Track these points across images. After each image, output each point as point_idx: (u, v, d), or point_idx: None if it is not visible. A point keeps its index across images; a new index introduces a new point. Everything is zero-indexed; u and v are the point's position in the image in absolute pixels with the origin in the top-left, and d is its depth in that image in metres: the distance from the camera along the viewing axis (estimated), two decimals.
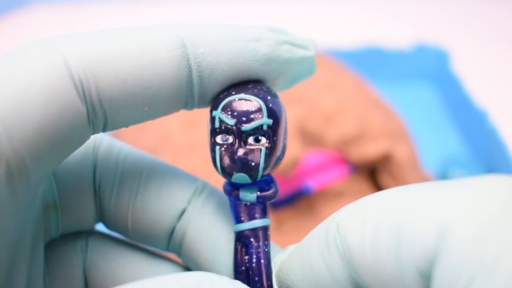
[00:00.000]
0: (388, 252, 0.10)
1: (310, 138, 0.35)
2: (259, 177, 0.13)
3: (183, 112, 0.37)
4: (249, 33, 0.13)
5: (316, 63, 0.14)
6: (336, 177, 0.36)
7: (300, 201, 0.35)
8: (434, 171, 0.43)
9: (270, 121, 0.13)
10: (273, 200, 0.14)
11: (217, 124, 0.13)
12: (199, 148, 0.35)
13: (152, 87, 0.12)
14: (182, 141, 0.35)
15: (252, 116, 0.12)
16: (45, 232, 0.14)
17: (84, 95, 0.11)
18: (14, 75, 0.11)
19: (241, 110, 0.13)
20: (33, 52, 0.11)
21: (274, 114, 0.13)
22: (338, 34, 0.61)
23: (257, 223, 0.13)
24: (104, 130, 0.13)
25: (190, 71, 0.12)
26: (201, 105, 0.13)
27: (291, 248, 0.13)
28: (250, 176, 0.13)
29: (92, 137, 0.15)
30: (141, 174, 0.14)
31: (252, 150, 0.13)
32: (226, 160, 0.13)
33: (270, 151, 0.13)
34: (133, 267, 0.15)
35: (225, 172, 0.13)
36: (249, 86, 0.13)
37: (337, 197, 0.35)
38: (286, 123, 0.13)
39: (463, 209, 0.09)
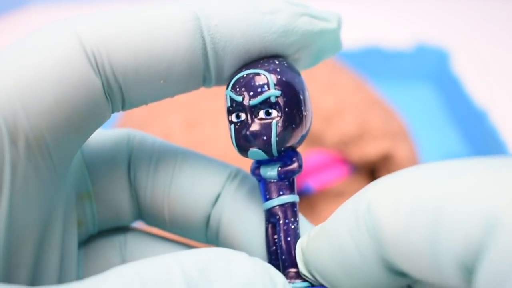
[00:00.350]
0: (425, 240, 0.09)
1: (310, 138, 0.35)
2: (274, 152, 0.12)
3: (184, 112, 0.37)
4: (265, 5, 0.13)
5: (341, 38, 0.14)
6: (336, 177, 0.36)
7: (300, 201, 0.35)
8: None
9: (278, 93, 0.12)
10: (297, 175, 0.13)
11: (228, 103, 0.13)
12: (199, 148, 0.35)
13: (166, 59, 0.12)
14: (182, 141, 0.35)
15: (258, 89, 0.12)
16: (80, 224, 0.14)
17: (98, 68, 0.12)
18: (29, 52, 0.11)
19: (247, 85, 0.12)
20: (47, 31, 0.12)
21: (283, 85, 0.12)
22: None
23: (283, 199, 0.13)
24: (123, 108, 0.13)
25: (204, 44, 0.12)
26: (219, 81, 0.13)
27: (316, 229, 0.12)
28: (265, 151, 0.12)
29: (125, 131, 0.15)
30: (175, 162, 0.14)
31: (262, 124, 0.12)
32: (239, 137, 0.13)
33: (283, 123, 0.12)
34: None
35: (241, 149, 0.13)
36: (261, 62, 0.13)
37: (337, 197, 0.35)
38: (304, 96, 0.13)
39: None
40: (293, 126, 0.13)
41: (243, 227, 0.14)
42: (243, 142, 0.13)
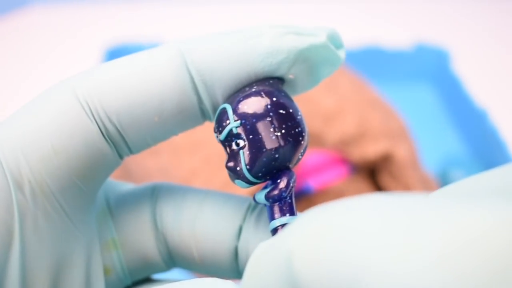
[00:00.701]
0: None
1: (310, 138, 0.35)
2: (251, 179, 0.13)
3: None
4: (248, 32, 0.13)
5: (337, 51, 0.14)
6: (336, 177, 0.36)
7: (300, 201, 0.35)
8: (434, 171, 0.43)
9: (237, 123, 0.13)
10: (284, 196, 0.13)
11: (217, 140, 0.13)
12: (199, 148, 0.35)
13: (155, 96, 0.13)
14: (182, 142, 0.35)
15: (223, 124, 0.13)
16: (108, 272, 0.14)
17: (92, 113, 0.13)
18: (30, 108, 0.13)
19: (217, 121, 0.13)
20: (47, 90, 0.13)
21: (241, 114, 0.13)
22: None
23: (275, 222, 0.13)
24: (130, 151, 0.13)
25: (192, 77, 0.13)
26: (216, 111, 0.14)
27: (261, 247, 0.11)
28: (243, 180, 0.13)
29: (152, 182, 0.16)
30: (197, 202, 0.15)
31: (233, 155, 0.13)
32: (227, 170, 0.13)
33: (251, 150, 0.13)
34: None
35: (232, 180, 0.13)
36: (239, 90, 0.13)
37: (337, 197, 0.35)
38: (276, 116, 0.13)
39: (438, 263, 0.07)
40: (264, 150, 0.12)
41: None
42: (229, 175, 0.13)
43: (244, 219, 0.14)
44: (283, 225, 0.13)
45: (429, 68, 0.56)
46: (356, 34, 0.60)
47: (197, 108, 0.13)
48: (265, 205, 0.13)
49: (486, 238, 0.07)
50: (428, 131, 0.48)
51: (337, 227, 0.08)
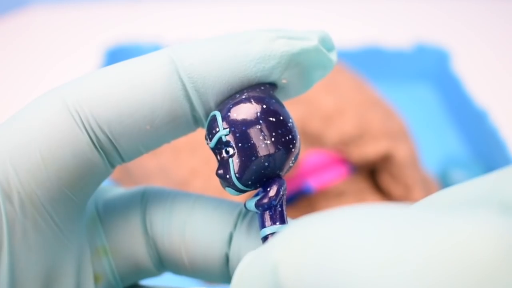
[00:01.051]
0: None
1: (310, 138, 0.35)
2: (240, 186, 0.13)
3: None
4: (239, 37, 0.13)
5: (329, 55, 0.13)
6: (336, 177, 0.36)
7: (300, 201, 0.35)
8: (434, 171, 0.43)
9: (226, 131, 0.12)
10: (273, 205, 0.13)
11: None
12: (199, 148, 0.35)
13: (146, 104, 0.12)
14: (182, 141, 0.35)
15: (213, 131, 0.13)
16: (99, 279, 0.14)
17: (83, 124, 0.12)
18: (19, 118, 0.13)
19: (207, 129, 0.13)
20: (37, 99, 0.13)
21: (230, 122, 0.12)
22: (338, 34, 0.60)
23: (265, 230, 0.13)
24: (122, 159, 0.13)
25: (183, 84, 0.13)
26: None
27: (248, 258, 0.11)
28: (232, 188, 0.13)
29: (142, 186, 0.16)
30: (187, 207, 0.15)
31: (222, 163, 0.13)
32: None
33: (240, 158, 0.12)
34: None
35: (223, 187, 0.13)
36: (230, 97, 0.13)
37: (337, 197, 0.35)
38: (266, 123, 0.13)
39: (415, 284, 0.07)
40: (253, 158, 0.12)
41: None
42: (220, 182, 0.13)
43: (235, 226, 0.14)
44: (273, 234, 0.13)
45: (429, 68, 0.56)
46: (356, 34, 0.60)
47: (189, 116, 0.13)
48: (256, 212, 0.13)
49: (468, 247, 0.07)
50: (428, 131, 0.48)
51: (321, 240, 0.09)
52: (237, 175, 0.12)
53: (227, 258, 0.14)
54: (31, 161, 0.12)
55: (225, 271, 0.15)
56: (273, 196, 0.13)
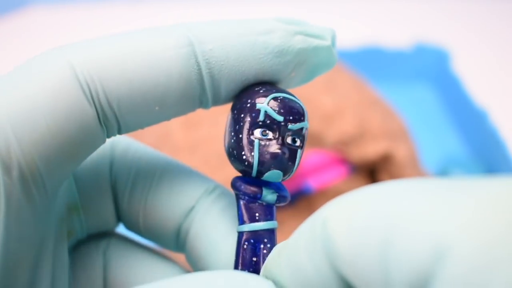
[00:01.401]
0: (376, 261, 0.09)
1: (309, 138, 0.35)
2: (288, 178, 0.13)
3: None
4: (258, 26, 0.13)
5: (335, 54, 0.14)
6: (336, 177, 0.36)
7: (300, 201, 0.35)
8: (434, 171, 0.43)
9: (308, 125, 0.13)
10: (285, 203, 0.14)
11: (261, 117, 0.13)
12: (199, 148, 0.35)
13: (160, 86, 0.12)
14: (182, 141, 0.35)
15: (297, 116, 0.13)
16: (69, 235, 0.14)
17: (92, 97, 0.12)
18: (23, 82, 0.11)
19: (289, 109, 0.13)
20: (41, 60, 0.12)
21: (308, 119, 0.13)
22: (338, 34, 0.60)
23: (273, 224, 0.13)
24: (120, 132, 0.13)
25: (200, 68, 0.12)
26: (216, 102, 0.13)
27: (279, 246, 0.12)
28: (284, 175, 0.13)
29: (110, 138, 0.15)
30: (155, 173, 0.15)
31: (291, 149, 0.13)
32: (266, 155, 0.12)
33: (301, 153, 0.13)
34: (147, 270, 0.15)
35: (262, 166, 0.13)
36: (280, 87, 0.13)
37: (337, 197, 0.35)
38: None
39: (467, 224, 0.08)
40: (300, 158, 0.13)
41: (208, 243, 0.14)
42: (269, 161, 0.13)
43: (198, 201, 0.14)
44: (275, 228, 0.13)
45: (429, 68, 0.56)
46: (356, 34, 0.60)
47: (197, 98, 0.13)
48: (248, 201, 0.13)
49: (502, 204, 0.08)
50: (428, 131, 0.48)
51: (368, 196, 0.09)
52: (297, 166, 0.13)
53: (179, 229, 0.14)
54: (36, 134, 0.11)
55: (174, 240, 0.15)
56: (289, 196, 0.14)
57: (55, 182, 0.12)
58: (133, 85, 0.12)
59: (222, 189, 0.15)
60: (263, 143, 0.13)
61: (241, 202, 0.13)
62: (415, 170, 0.37)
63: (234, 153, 0.13)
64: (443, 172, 0.42)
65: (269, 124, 0.12)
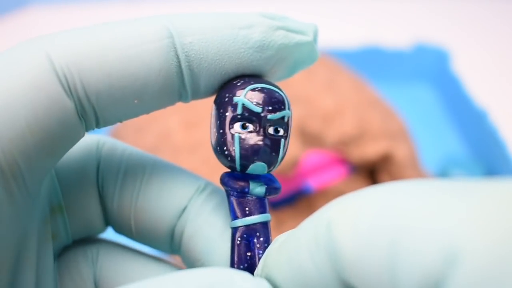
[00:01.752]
0: (383, 265, 0.08)
1: (309, 138, 0.35)
2: (274, 169, 0.13)
3: (183, 112, 0.37)
4: (240, 20, 0.12)
5: (317, 49, 0.14)
6: (336, 177, 0.36)
7: (300, 201, 0.35)
8: (434, 171, 0.43)
9: (290, 113, 0.13)
10: (276, 195, 0.13)
11: (239, 111, 0.12)
12: (199, 148, 0.35)
13: (139, 79, 0.12)
14: (182, 141, 0.35)
15: (277, 106, 0.12)
16: (54, 237, 0.14)
17: (70, 90, 0.11)
18: None
19: (268, 99, 0.12)
20: (18, 52, 0.12)
21: (290, 107, 0.13)
22: (338, 34, 0.61)
23: (265, 217, 0.13)
24: (98, 126, 0.13)
25: (179, 62, 0.12)
26: (195, 96, 0.13)
27: (281, 238, 0.12)
28: (269, 166, 0.13)
29: (95, 138, 0.15)
30: (144, 173, 0.14)
31: (274, 140, 0.13)
32: (246, 148, 0.12)
33: (286, 143, 0.13)
34: (142, 277, 0.15)
35: (243, 161, 0.12)
36: (261, 78, 0.13)
37: (337, 197, 0.35)
38: None
39: (479, 225, 0.08)
40: (287, 147, 0.13)
41: (203, 242, 0.14)
42: (250, 154, 0.12)
43: (190, 200, 0.14)
44: (269, 221, 0.13)
45: (429, 68, 0.56)
46: (356, 34, 0.60)
47: (176, 91, 0.13)
48: (237, 197, 0.13)
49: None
50: (428, 131, 0.48)
51: (373, 197, 0.09)
52: (282, 156, 0.13)
53: (173, 231, 0.14)
54: (16, 130, 0.11)
55: (168, 242, 0.14)
56: (281, 187, 0.13)
57: (35, 178, 0.12)
58: (112, 79, 0.12)
59: (213, 186, 0.15)
60: (243, 136, 0.12)
61: (232, 198, 0.13)
62: (415, 170, 0.37)
63: (218, 149, 0.13)
64: (443, 172, 0.42)
65: (248, 117, 0.12)
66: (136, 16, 0.13)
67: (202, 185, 0.14)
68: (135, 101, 0.12)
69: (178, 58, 0.12)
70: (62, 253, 0.15)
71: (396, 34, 0.61)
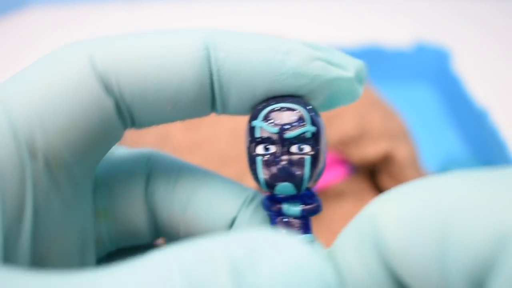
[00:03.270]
0: (432, 255, 0.09)
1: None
2: (303, 188, 0.12)
3: None
4: (279, 45, 0.12)
5: (358, 87, 0.13)
6: (336, 177, 0.36)
7: None
8: (434, 171, 0.43)
9: (314, 128, 0.12)
10: (317, 214, 0.13)
11: (257, 134, 0.12)
12: (199, 148, 0.35)
13: (172, 86, 0.12)
14: (182, 141, 0.35)
15: (295, 123, 0.12)
16: (97, 242, 0.14)
17: (108, 90, 0.12)
18: (44, 74, 0.12)
19: (284, 118, 0.12)
20: (64, 53, 0.12)
21: (316, 122, 0.12)
22: (338, 34, 0.61)
23: (308, 237, 0.13)
24: (133, 126, 0.13)
25: (211, 74, 0.12)
26: (225, 111, 0.13)
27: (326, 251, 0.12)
28: (295, 186, 0.12)
29: (147, 150, 0.15)
30: (193, 183, 0.14)
31: (297, 159, 0.12)
32: (269, 170, 0.12)
33: (315, 160, 0.12)
34: None
35: (268, 183, 0.12)
36: (288, 97, 0.13)
37: (337, 197, 0.35)
38: (325, 137, 0.13)
39: None
40: (319, 164, 0.13)
41: None
42: (273, 175, 0.12)
43: (239, 211, 0.14)
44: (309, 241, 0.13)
45: (429, 68, 0.56)
46: (356, 34, 0.60)
47: (209, 103, 0.13)
48: (275, 218, 0.13)
49: None
50: (428, 131, 0.48)
51: (416, 189, 0.09)
52: (310, 174, 0.12)
53: None
54: (61, 124, 0.12)
55: None
56: (320, 205, 0.13)
57: (83, 174, 0.13)
58: (146, 84, 0.12)
59: (260, 197, 0.15)
60: (265, 158, 0.12)
61: (274, 220, 0.13)
62: (415, 170, 0.37)
63: (251, 171, 0.13)
64: (443, 172, 0.42)
65: (268, 139, 0.12)
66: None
67: (251, 195, 0.14)
68: (169, 107, 0.13)
69: (210, 70, 0.12)
70: (107, 259, 0.15)
71: (396, 34, 0.61)
